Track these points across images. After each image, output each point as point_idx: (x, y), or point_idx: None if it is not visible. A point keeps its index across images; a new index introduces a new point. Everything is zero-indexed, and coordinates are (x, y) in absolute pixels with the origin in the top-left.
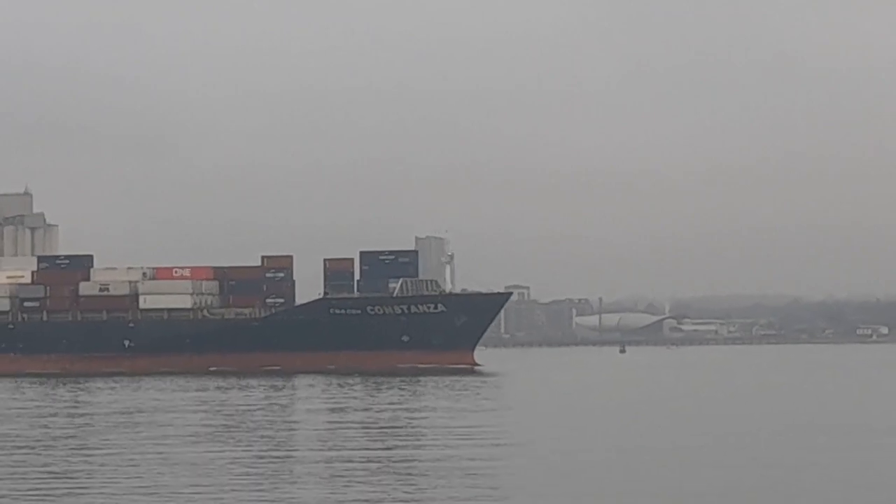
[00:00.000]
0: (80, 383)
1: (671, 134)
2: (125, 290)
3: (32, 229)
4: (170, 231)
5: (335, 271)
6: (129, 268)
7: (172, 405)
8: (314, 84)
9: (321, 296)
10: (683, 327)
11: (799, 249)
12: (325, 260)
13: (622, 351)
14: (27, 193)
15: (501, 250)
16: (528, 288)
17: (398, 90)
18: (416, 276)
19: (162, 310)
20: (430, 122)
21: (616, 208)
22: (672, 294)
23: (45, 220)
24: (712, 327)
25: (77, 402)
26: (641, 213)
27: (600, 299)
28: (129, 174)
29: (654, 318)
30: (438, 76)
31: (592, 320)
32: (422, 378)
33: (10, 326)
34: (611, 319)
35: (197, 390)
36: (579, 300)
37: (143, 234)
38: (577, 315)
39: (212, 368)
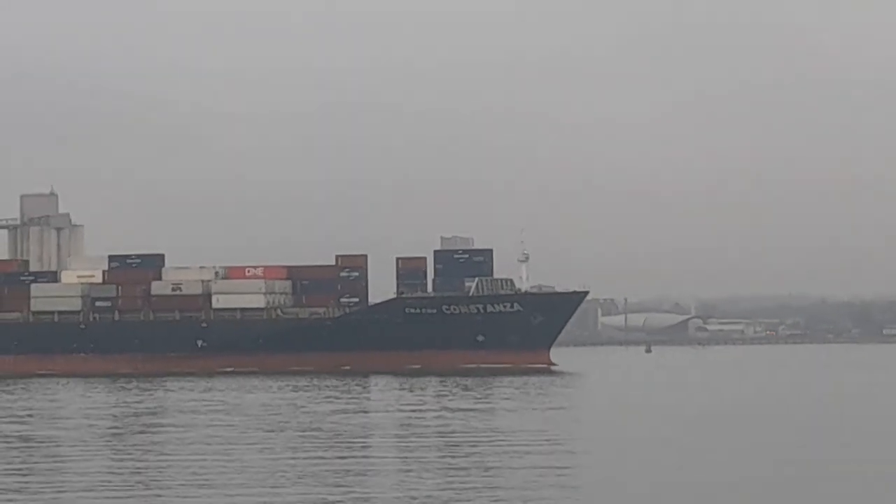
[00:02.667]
0: (160, 383)
1: (692, 151)
2: (198, 290)
3: (58, 229)
4: (181, 232)
5: (408, 270)
6: (201, 267)
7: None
8: (338, 101)
9: (396, 295)
10: (709, 327)
11: (825, 250)
12: (397, 259)
13: (648, 351)
14: (53, 194)
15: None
16: (553, 287)
17: (428, 110)
18: (491, 274)
19: (235, 309)
20: (461, 139)
21: (640, 210)
22: (697, 294)
23: (70, 220)
24: (738, 327)
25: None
26: (664, 215)
27: (625, 299)
28: (140, 176)
29: (680, 318)
30: (472, 97)
31: (618, 320)
32: (498, 378)
33: (82, 326)
34: (636, 319)
35: (281, 390)
36: (604, 300)
37: (155, 235)
38: (603, 315)
39: (286, 369)
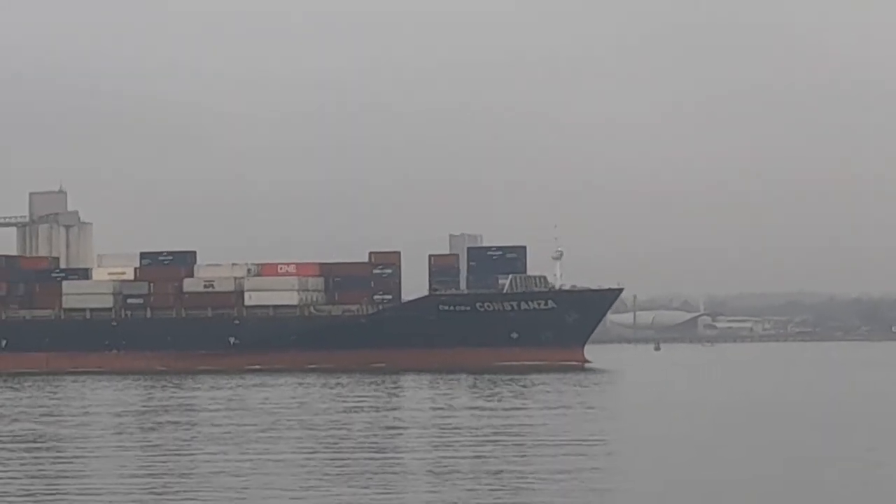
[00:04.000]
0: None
1: (696, 150)
2: (230, 287)
3: (67, 227)
4: (183, 232)
5: (440, 267)
6: (233, 264)
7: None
8: (338, 102)
9: (429, 292)
10: (718, 324)
11: (833, 248)
12: (430, 256)
13: (657, 348)
14: (61, 191)
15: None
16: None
17: (428, 110)
18: (525, 271)
19: (267, 306)
20: (460, 139)
21: (647, 209)
22: (707, 291)
23: (79, 217)
24: (747, 324)
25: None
26: (672, 213)
27: (634, 297)
28: (141, 175)
29: (689, 316)
30: (473, 96)
31: (627, 318)
32: (532, 376)
33: (114, 323)
34: (645, 317)
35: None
36: None
37: (156, 235)
38: (612, 312)
39: (319, 366)
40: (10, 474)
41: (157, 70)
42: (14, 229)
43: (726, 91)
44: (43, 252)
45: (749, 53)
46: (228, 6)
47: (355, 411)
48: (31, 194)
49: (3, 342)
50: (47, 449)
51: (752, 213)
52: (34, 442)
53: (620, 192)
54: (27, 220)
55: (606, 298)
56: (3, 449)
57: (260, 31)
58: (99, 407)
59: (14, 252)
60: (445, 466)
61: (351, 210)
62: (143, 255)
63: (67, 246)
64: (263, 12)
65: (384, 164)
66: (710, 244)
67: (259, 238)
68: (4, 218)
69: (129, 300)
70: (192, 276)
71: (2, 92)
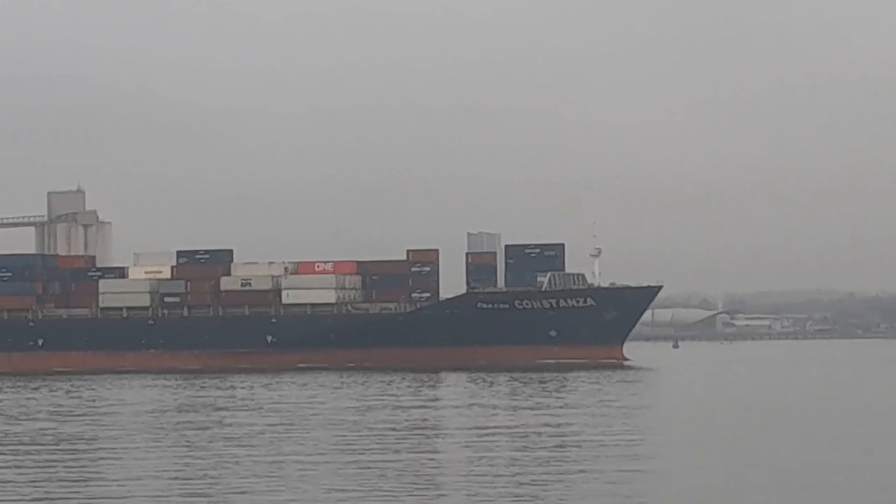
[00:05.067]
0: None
1: (717, 147)
2: (267, 285)
3: (86, 226)
4: (193, 231)
5: (477, 265)
6: (270, 262)
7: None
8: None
9: (466, 290)
10: (736, 322)
11: (852, 245)
12: (466, 254)
13: (675, 346)
14: (80, 191)
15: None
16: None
17: (431, 110)
18: (563, 269)
19: (305, 305)
20: (472, 138)
21: (666, 207)
22: (725, 289)
23: (97, 217)
24: (765, 322)
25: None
26: (691, 211)
27: None
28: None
29: (708, 314)
30: (486, 95)
31: (645, 315)
32: (571, 374)
33: (151, 322)
34: (664, 314)
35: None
36: None
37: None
38: None
39: (357, 364)
40: (27, 476)
41: (164, 69)
42: (33, 229)
43: (742, 89)
44: (62, 251)
45: (761, 51)
46: (235, 6)
47: (391, 409)
48: (49, 194)
49: (41, 341)
50: (64, 451)
51: (770, 211)
52: (53, 444)
53: (636, 191)
54: (45, 219)
55: (645, 296)
56: (21, 450)
57: (267, 30)
58: (133, 406)
59: (33, 251)
60: (480, 468)
61: (354, 209)
62: (179, 254)
63: (86, 245)
64: (269, 11)
65: (389, 164)
66: (728, 242)
67: (292, 236)
68: (23, 217)
69: (166, 299)
70: (228, 274)
71: (20, 92)
